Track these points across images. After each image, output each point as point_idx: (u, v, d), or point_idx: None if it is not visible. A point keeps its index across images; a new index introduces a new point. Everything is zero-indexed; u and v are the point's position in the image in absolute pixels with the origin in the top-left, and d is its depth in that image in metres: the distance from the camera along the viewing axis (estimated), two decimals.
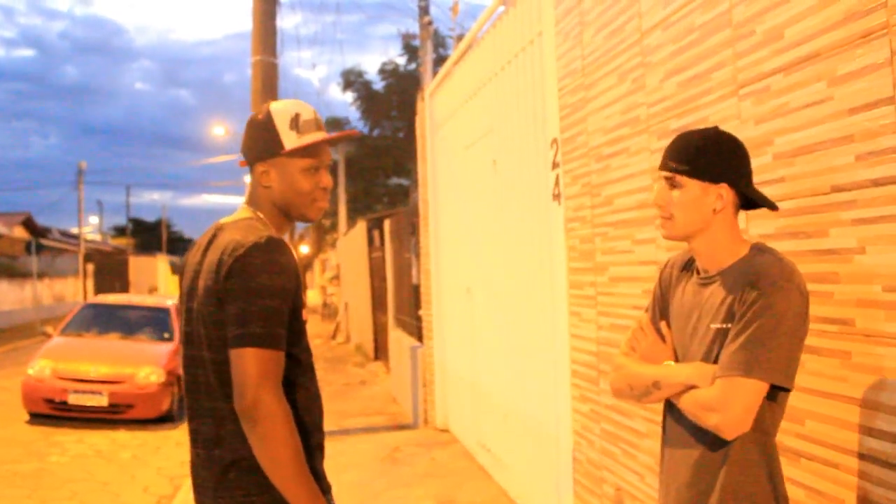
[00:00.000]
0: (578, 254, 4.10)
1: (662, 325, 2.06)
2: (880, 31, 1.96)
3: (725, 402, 1.74)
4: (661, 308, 2.09)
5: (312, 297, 36.20)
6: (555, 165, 4.40)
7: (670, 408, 1.99)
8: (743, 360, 1.73)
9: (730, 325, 1.80)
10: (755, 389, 1.73)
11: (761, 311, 1.74)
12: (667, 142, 3.10)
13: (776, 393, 1.79)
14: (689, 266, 2.03)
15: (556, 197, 4.38)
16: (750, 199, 1.94)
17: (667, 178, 1.92)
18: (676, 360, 2.00)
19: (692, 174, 1.87)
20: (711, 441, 1.83)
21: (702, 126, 2.82)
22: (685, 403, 1.86)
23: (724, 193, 1.87)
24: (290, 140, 2.01)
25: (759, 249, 1.88)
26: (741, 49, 2.58)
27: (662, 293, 2.10)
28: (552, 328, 4.51)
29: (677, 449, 1.95)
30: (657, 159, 3.21)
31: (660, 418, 3.19)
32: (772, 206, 1.95)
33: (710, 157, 1.87)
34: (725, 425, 1.75)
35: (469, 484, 5.99)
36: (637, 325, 2.12)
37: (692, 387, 1.84)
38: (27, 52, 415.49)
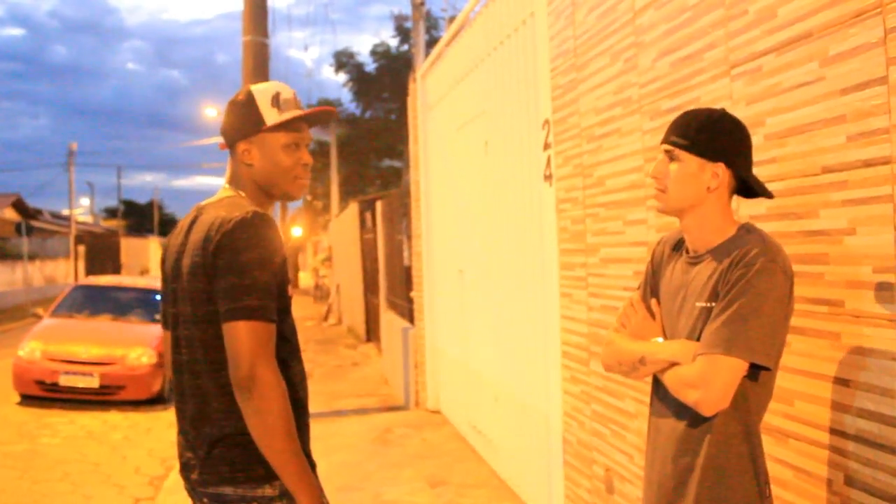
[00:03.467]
0: (569, 235, 4.10)
1: (652, 302, 2.10)
2: (874, 10, 1.94)
3: (705, 379, 1.77)
4: (651, 286, 2.13)
5: (304, 278, 36.18)
6: (546, 146, 4.39)
7: (657, 384, 2.02)
8: (723, 338, 1.76)
9: (713, 304, 1.83)
10: (735, 367, 1.76)
11: (744, 289, 1.76)
12: (659, 122, 3.10)
13: (758, 372, 1.82)
14: (679, 245, 2.06)
15: (548, 178, 4.37)
16: (746, 186, 1.96)
17: (666, 152, 1.95)
18: (665, 337, 2.03)
19: (690, 149, 1.90)
20: (694, 417, 1.87)
21: (693, 106, 2.81)
22: (668, 380, 1.90)
23: (720, 172, 1.89)
24: (271, 117, 2.04)
25: (746, 230, 1.90)
26: (733, 29, 2.56)
27: (654, 271, 2.13)
28: (543, 309, 4.51)
29: (662, 424, 1.99)
30: (649, 140, 3.21)
31: (648, 399, 3.21)
32: (767, 195, 1.97)
33: (710, 134, 1.90)
34: (705, 402, 1.78)
35: (460, 465, 6.01)
36: (628, 302, 2.15)
37: (676, 363, 1.88)
38: (16, 31, 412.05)
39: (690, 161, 1.90)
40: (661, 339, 2.03)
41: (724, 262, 1.84)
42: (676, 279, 2.01)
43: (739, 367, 1.76)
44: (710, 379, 1.76)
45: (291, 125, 2.06)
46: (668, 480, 1.94)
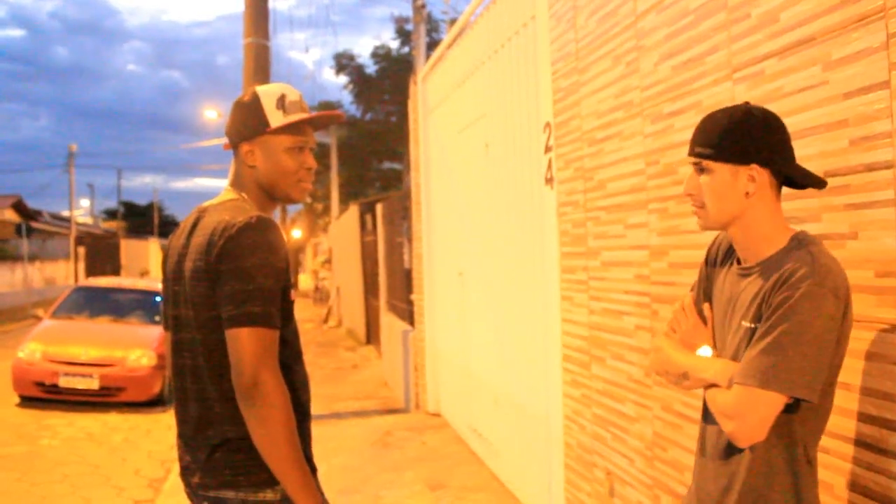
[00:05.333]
0: (570, 238, 4.10)
1: (705, 307, 1.97)
2: (876, 14, 1.94)
3: (740, 411, 1.65)
4: (705, 288, 1.99)
5: (304, 281, 36.15)
6: (547, 149, 4.39)
7: None
8: (760, 369, 1.63)
9: (757, 326, 1.70)
10: (771, 401, 1.63)
11: (786, 315, 1.62)
12: (661, 125, 3.10)
13: (798, 403, 1.66)
14: (733, 250, 1.92)
15: (549, 181, 4.37)
16: (793, 180, 1.81)
17: (694, 164, 1.81)
18: (715, 347, 1.92)
19: (718, 157, 1.75)
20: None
21: (695, 111, 2.82)
22: (708, 401, 1.81)
23: (755, 175, 1.74)
24: (276, 119, 2.04)
25: (798, 241, 1.74)
26: (736, 33, 2.56)
27: (708, 273, 2.00)
28: (544, 313, 4.51)
29: (710, 432, 1.89)
30: (651, 143, 3.21)
31: (649, 402, 3.21)
32: (819, 184, 1.82)
33: (736, 136, 1.74)
34: (739, 434, 1.67)
35: (460, 468, 6.01)
36: (679, 305, 2.02)
37: (716, 384, 1.77)
38: (17, 33, 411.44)
39: (721, 169, 1.75)
40: (709, 350, 1.91)
41: (769, 281, 1.69)
42: (727, 290, 1.87)
43: (777, 400, 1.63)
44: (744, 412, 1.64)
45: (296, 128, 2.05)
46: (708, 497, 1.85)
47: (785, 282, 1.65)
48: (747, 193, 1.75)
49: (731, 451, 1.79)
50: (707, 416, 1.91)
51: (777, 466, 1.72)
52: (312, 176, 2.12)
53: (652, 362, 2.04)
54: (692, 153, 1.81)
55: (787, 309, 1.62)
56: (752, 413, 1.64)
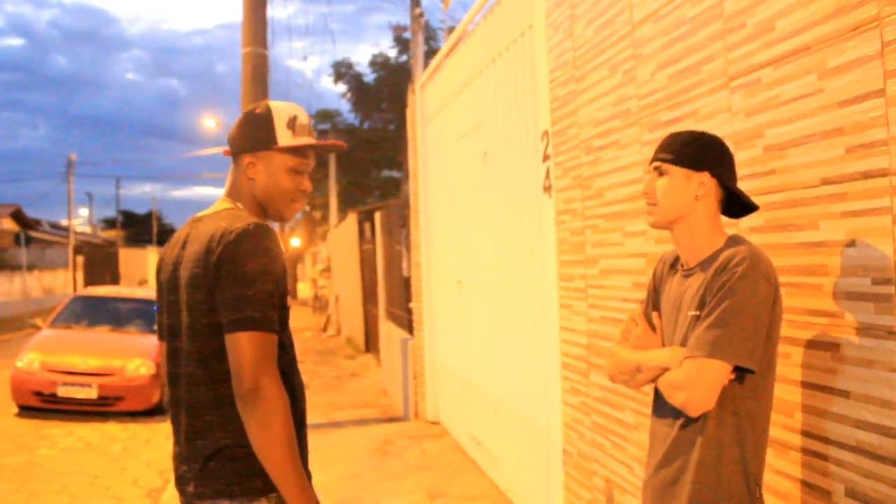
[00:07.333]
0: (569, 246, 4.10)
1: (654, 315, 2.19)
2: (871, 23, 1.95)
3: (690, 381, 1.86)
4: (653, 301, 2.23)
5: (303, 289, 36.14)
6: (545, 158, 4.40)
7: (657, 392, 2.10)
8: (706, 341, 1.85)
9: (700, 313, 1.92)
10: (718, 369, 1.84)
11: (725, 295, 1.85)
12: (658, 134, 3.11)
13: (743, 375, 1.89)
14: (677, 262, 2.16)
15: (547, 189, 4.38)
16: (734, 206, 2.09)
17: (655, 168, 2.08)
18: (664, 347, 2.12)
19: (676, 162, 2.03)
20: (687, 420, 1.95)
21: (692, 119, 2.83)
22: (660, 385, 2.00)
23: (705, 181, 2.02)
24: (284, 138, 2.06)
25: (733, 240, 2.00)
26: (732, 41, 2.58)
27: (655, 287, 2.24)
28: (542, 321, 4.51)
29: (659, 430, 2.08)
30: (648, 151, 3.22)
31: (647, 410, 3.20)
32: (753, 207, 2.08)
33: (693, 147, 2.04)
34: (690, 403, 1.86)
35: (459, 476, 6.00)
36: (629, 316, 2.25)
37: (667, 369, 1.97)
38: (16, 42, 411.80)
39: (677, 173, 2.03)
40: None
41: (710, 271, 1.93)
42: (674, 293, 2.10)
43: (723, 369, 1.84)
44: (695, 381, 1.85)
45: (301, 151, 2.08)
46: (660, 482, 2.02)
47: (724, 267, 1.88)
48: (696, 196, 2.02)
49: (682, 433, 1.97)
50: (656, 410, 2.12)
51: (725, 440, 1.92)
52: (306, 198, 2.16)
53: (607, 367, 2.24)
54: (655, 159, 2.08)
55: (727, 289, 1.85)
56: (701, 381, 1.85)
